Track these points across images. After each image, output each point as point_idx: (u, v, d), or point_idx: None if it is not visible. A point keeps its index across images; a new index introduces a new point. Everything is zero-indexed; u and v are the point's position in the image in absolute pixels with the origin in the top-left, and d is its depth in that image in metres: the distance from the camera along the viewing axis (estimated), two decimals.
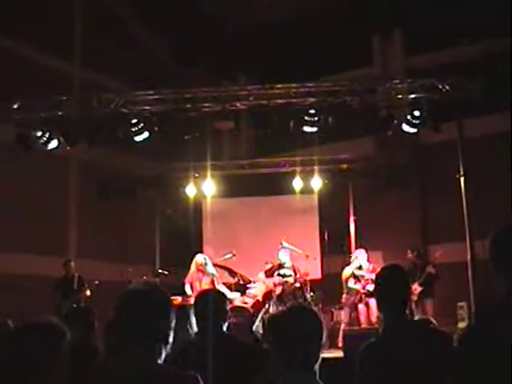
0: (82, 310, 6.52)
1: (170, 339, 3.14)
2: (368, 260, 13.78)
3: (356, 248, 16.60)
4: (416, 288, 13.38)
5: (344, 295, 13.75)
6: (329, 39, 17.56)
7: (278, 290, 13.57)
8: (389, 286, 4.32)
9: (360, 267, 13.65)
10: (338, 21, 17.59)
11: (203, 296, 5.20)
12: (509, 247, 2.94)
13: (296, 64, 17.14)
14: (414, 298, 13.43)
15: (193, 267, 13.26)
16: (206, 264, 13.09)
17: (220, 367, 4.23)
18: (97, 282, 14.19)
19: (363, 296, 13.43)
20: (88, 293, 13.88)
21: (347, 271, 13.74)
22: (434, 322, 6.36)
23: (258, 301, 13.57)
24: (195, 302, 5.13)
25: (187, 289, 13.10)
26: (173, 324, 3.17)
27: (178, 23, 18.47)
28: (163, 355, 3.10)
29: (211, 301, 4.96)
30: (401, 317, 4.23)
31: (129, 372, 2.96)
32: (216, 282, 13.09)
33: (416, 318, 6.59)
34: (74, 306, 12.15)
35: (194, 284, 13.13)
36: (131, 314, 3.14)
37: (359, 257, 13.88)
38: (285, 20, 18.38)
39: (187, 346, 4.80)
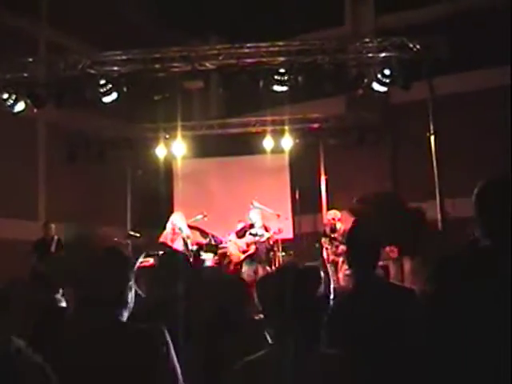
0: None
1: (130, 300, 3.20)
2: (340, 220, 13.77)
3: (327, 207, 16.72)
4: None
5: None
6: None
7: (252, 249, 13.61)
8: (358, 244, 4.31)
9: (333, 229, 13.64)
10: None
11: (165, 258, 5.15)
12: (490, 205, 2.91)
13: (268, 23, 17.06)
14: (394, 255, 13.47)
15: (168, 227, 13.28)
16: (180, 224, 13.11)
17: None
18: None
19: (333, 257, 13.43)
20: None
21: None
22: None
23: (230, 261, 13.62)
24: (158, 264, 5.11)
25: None
26: (131, 285, 3.21)
27: None
28: (125, 315, 3.16)
29: (173, 263, 4.93)
30: (370, 275, 4.25)
31: (87, 332, 3.06)
32: (189, 243, 13.11)
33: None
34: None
35: (168, 244, 13.17)
36: (89, 277, 3.22)
37: (331, 218, 13.90)
38: None
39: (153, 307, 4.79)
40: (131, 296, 3.21)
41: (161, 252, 5.27)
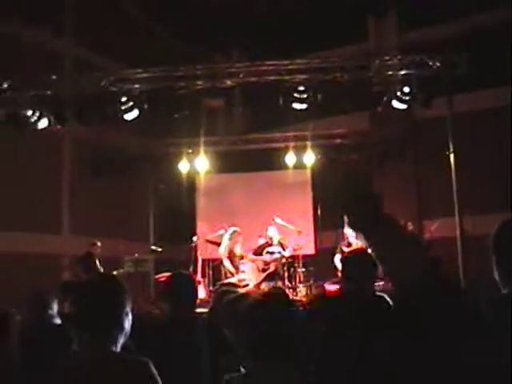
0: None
1: (126, 325, 3.26)
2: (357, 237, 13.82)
3: None
4: None
5: None
6: (325, 15, 17.55)
7: (271, 267, 13.68)
8: (352, 270, 4.35)
9: (349, 244, 13.69)
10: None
11: (172, 279, 5.19)
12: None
13: (291, 39, 17.14)
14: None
15: (227, 239, 13.57)
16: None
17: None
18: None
19: None
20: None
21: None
22: None
23: (250, 279, 13.67)
24: (167, 284, 5.16)
25: (227, 264, 13.59)
26: (126, 313, 3.27)
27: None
28: (121, 340, 3.23)
29: (182, 284, 4.99)
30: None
31: (82, 362, 3.16)
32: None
33: None
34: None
35: (233, 258, 13.65)
36: (84, 307, 3.30)
37: (349, 233, 13.93)
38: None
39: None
40: (128, 321, 3.28)
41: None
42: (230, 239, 13.75)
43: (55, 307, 6.23)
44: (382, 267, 2.69)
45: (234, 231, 13.85)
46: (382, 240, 2.56)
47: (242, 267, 13.84)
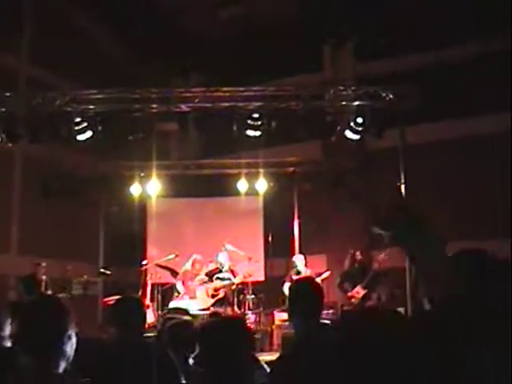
0: None
1: (68, 350, 3.19)
2: (306, 265, 13.88)
3: (300, 251, 16.73)
4: (358, 291, 13.48)
5: None
6: (280, 43, 17.69)
7: (221, 293, 13.65)
8: (299, 299, 4.35)
9: (298, 273, 13.71)
10: (291, 27, 17.74)
11: (121, 303, 5.15)
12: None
13: (248, 66, 17.24)
14: (355, 301, 13.52)
15: (188, 265, 13.65)
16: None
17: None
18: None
19: None
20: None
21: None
22: None
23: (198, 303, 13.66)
24: (114, 308, 5.11)
25: (179, 286, 13.66)
26: (68, 336, 3.20)
27: (131, 20, 18.38)
28: (62, 365, 3.15)
29: (130, 308, 4.95)
30: (311, 330, 4.26)
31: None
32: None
33: None
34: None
35: (187, 283, 13.63)
36: (23, 329, 3.23)
37: (297, 262, 13.97)
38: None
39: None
40: (70, 345, 3.22)
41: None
42: (190, 264, 13.85)
43: (7, 329, 6.06)
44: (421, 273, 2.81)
45: (194, 258, 13.94)
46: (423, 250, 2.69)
47: (197, 291, 13.81)
